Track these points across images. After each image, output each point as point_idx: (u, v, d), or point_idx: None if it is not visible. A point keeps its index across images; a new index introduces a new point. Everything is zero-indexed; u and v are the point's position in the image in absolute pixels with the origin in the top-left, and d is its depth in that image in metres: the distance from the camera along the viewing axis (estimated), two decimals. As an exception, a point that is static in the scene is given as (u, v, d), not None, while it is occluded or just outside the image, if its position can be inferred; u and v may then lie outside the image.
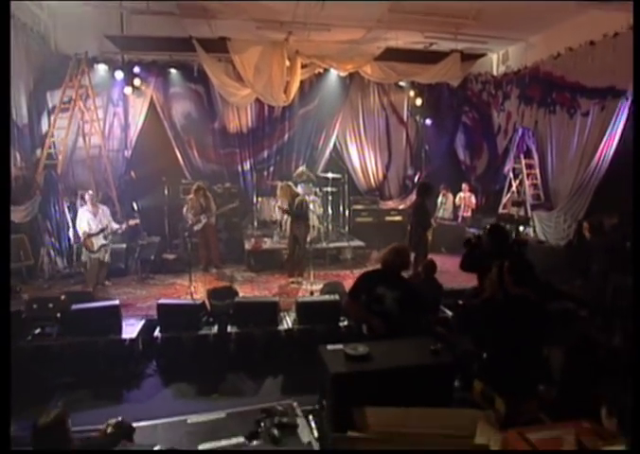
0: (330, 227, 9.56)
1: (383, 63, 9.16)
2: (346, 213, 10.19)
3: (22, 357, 4.65)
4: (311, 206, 8.62)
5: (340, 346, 2.79)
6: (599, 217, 6.39)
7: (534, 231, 9.05)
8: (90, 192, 7.22)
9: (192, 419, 2.69)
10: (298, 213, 7.64)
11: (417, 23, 8.35)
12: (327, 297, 5.47)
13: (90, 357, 4.71)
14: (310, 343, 4.67)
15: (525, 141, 9.55)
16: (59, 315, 4.93)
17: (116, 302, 5.19)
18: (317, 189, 9.38)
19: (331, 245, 9.07)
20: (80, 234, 6.88)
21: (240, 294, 6.06)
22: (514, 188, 9.76)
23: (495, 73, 11.01)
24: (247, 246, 8.66)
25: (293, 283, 7.51)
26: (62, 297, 5.15)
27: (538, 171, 9.35)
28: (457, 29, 8.65)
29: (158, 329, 5.14)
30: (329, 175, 9.56)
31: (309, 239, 8.05)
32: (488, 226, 4.78)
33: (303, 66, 9.01)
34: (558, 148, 8.97)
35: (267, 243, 8.86)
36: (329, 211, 9.58)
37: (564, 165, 8.75)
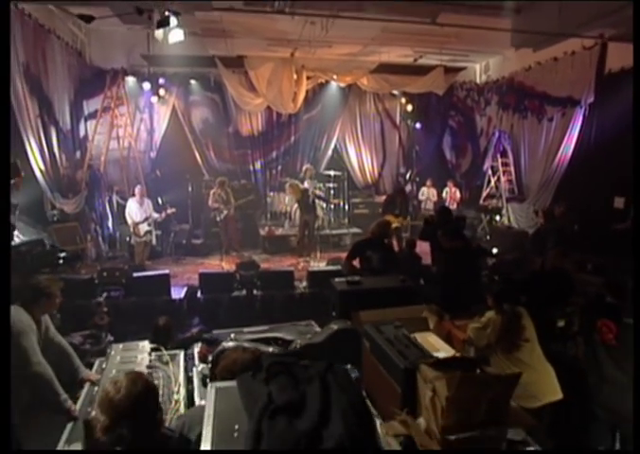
0: (332, 218, 10.81)
1: (378, 76, 10.37)
2: (346, 205, 11.36)
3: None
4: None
5: (343, 279, 4.24)
6: (551, 205, 7.68)
7: (508, 220, 10.21)
8: (139, 186, 8.34)
9: (246, 329, 4.06)
10: (308, 203, 8.96)
11: (406, 40, 9.42)
12: (331, 267, 6.84)
13: (149, 313, 5.98)
14: (318, 302, 6.03)
15: (502, 142, 10.60)
16: (123, 281, 6.25)
17: (167, 271, 6.53)
18: (321, 185, 10.49)
19: (334, 232, 10.31)
20: (130, 222, 8.05)
21: (261, 268, 7.34)
22: (492, 183, 10.83)
23: (478, 81, 11.97)
24: (262, 233, 9.91)
25: (302, 261, 8.80)
26: (126, 267, 6.52)
27: (512, 169, 10.37)
28: (442, 45, 9.76)
29: (199, 292, 6.42)
30: (331, 172, 10.76)
31: (316, 226, 9.36)
32: (438, 208, 6.16)
33: (308, 78, 10.16)
34: (529, 148, 10.02)
35: (279, 230, 10.09)
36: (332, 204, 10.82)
37: (534, 164, 9.80)
